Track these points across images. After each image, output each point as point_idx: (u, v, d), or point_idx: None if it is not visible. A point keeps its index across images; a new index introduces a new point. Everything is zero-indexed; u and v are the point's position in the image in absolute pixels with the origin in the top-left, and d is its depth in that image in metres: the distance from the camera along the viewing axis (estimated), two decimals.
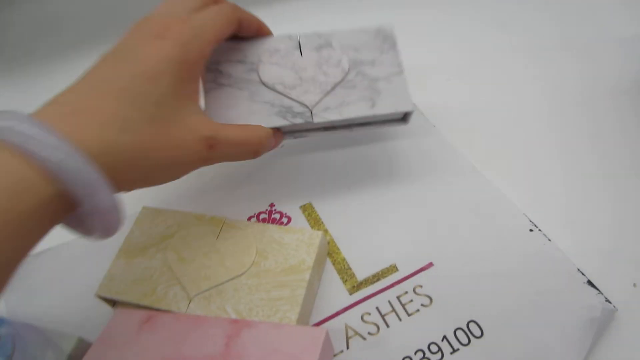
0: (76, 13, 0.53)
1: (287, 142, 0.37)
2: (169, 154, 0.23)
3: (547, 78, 0.42)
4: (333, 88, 0.30)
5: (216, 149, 0.25)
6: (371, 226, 0.34)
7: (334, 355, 0.28)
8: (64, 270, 0.33)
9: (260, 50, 0.30)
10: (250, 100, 0.29)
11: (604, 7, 0.47)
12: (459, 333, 0.28)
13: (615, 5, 0.47)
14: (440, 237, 0.33)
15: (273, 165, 0.38)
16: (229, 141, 0.26)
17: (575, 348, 0.27)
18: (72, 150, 0.19)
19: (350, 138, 0.39)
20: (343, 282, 0.31)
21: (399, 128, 0.38)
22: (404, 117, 0.31)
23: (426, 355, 0.28)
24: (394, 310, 0.30)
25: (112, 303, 0.31)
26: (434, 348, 0.28)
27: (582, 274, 0.29)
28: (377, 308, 0.30)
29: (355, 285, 0.31)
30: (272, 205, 0.35)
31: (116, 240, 0.27)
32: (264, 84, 0.30)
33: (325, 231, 0.34)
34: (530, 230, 0.32)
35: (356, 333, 0.29)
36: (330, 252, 0.33)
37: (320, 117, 0.29)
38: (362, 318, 0.30)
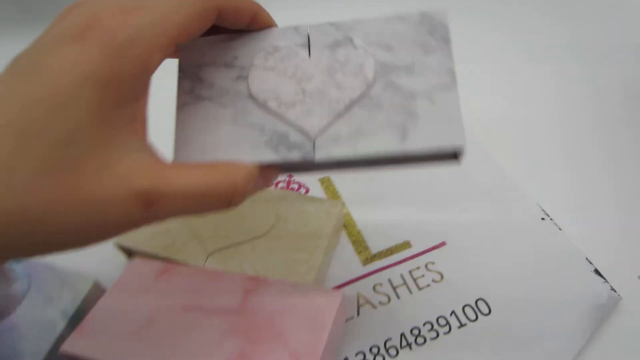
0: None
1: None
2: (77, 217, 0.16)
3: (562, 78, 0.43)
4: (348, 108, 0.20)
5: (157, 207, 0.17)
6: (387, 204, 0.35)
7: (345, 321, 0.29)
8: None
9: (255, 49, 0.22)
10: (234, 122, 0.21)
11: (621, 13, 0.48)
12: (467, 309, 0.29)
13: (633, 11, 0.48)
14: (453, 219, 0.33)
15: None
16: (179, 194, 0.18)
17: (579, 332, 0.28)
18: None
19: None
20: (357, 253, 0.32)
21: None
22: (454, 155, 0.21)
23: (434, 328, 0.28)
24: (405, 283, 0.30)
25: (129, 253, 0.31)
26: (442, 322, 0.29)
27: (590, 262, 0.30)
28: (389, 280, 0.31)
29: (369, 257, 0.32)
30: (290, 175, 0.36)
31: None
32: (253, 98, 0.21)
33: (342, 204, 0.34)
34: (542, 219, 0.33)
35: (367, 302, 0.30)
36: (346, 224, 0.33)
37: (325, 152, 0.20)
38: (374, 288, 0.30)
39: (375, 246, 0.32)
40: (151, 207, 0.17)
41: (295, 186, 0.35)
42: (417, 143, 0.20)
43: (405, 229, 0.33)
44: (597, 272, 0.30)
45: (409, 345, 0.28)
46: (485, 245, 0.32)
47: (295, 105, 0.21)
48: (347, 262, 0.31)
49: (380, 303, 0.30)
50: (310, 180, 0.36)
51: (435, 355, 0.28)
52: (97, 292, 0.29)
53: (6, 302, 0.26)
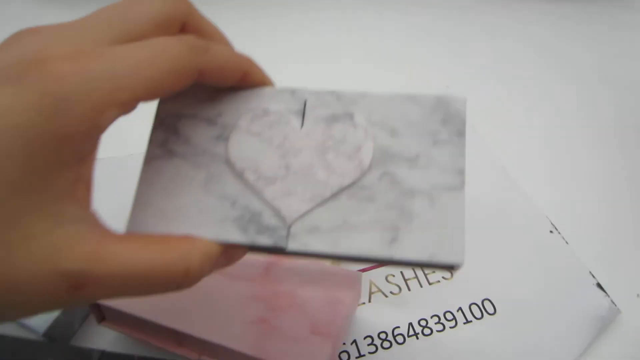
0: None
1: None
2: None
3: (581, 96, 0.45)
4: (335, 195, 0.18)
5: (87, 291, 0.15)
6: None
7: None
8: (125, 179, 0.35)
9: (243, 108, 0.20)
10: (204, 188, 0.19)
11: None
12: (474, 308, 0.30)
13: None
14: (467, 225, 0.35)
15: None
16: (117, 276, 0.15)
17: (579, 339, 0.29)
18: None
19: None
20: None
21: None
22: (448, 267, 0.18)
23: (441, 321, 0.30)
24: (416, 277, 0.32)
25: None
26: (449, 316, 0.30)
27: (593, 276, 0.32)
28: (401, 272, 0.32)
29: None
30: None
31: None
32: (230, 164, 0.19)
33: None
34: (551, 231, 0.34)
35: (379, 290, 0.31)
36: None
37: (300, 244, 0.18)
38: (386, 278, 0.32)
39: None
40: (80, 292, 0.14)
41: None
42: (407, 251, 0.17)
43: None
44: (599, 285, 0.31)
45: (415, 334, 0.29)
46: (495, 251, 0.33)
47: (275, 182, 0.18)
48: None
49: (392, 293, 0.31)
50: None
51: (440, 346, 0.29)
52: None
53: None
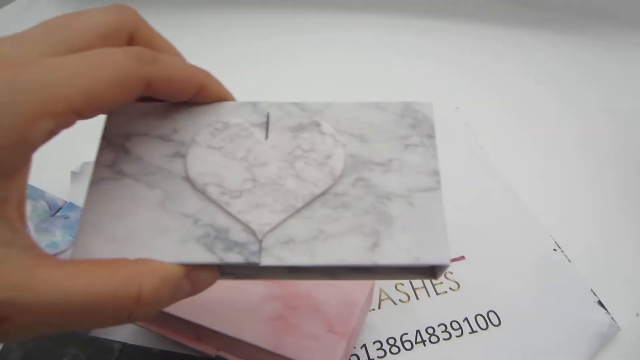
0: None
1: None
2: None
3: (582, 120, 0.47)
4: (308, 203, 0.17)
5: (14, 324, 0.13)
6: None
7: None
8: None
9: (201, 123, 0.18)
10: (160, 208, 0.17)
11: None
12: (479, 318, 0.32)
13: None
14: (474, 239, 0.36)
15: None
16: (50, 306, 0.13)
17: (579, 354, 0.30)
18: None
19: None
20: None
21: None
22: (432, 270, 0.18)
23: (447, 330, 0.31)
24: (424, 287, 0.33)
25: None
26: (455, 325, 0.31)
27: (595, 294, 0.33)
28: (410, 282, 0.33)
29: None
30: None
31: None
32: (190, 181, 0.18)
33: None
34: (554, 249, 0.36)
35: (388, 297, 0.32)
36: None
37: (274, 257, 0.16)
38: (395, 287, 0.33)
39: None
40: (4, 325, 0.13)
41: None
42: (390, 255, 0.16)
43: None
44: (600, 303, 0.33)
45: (423, 342, 0.30)
46: (501, 266, 0.35)
47: (241, 196, 0.17)
48: None
49: (400, 301, 0.32)
50: None
51: (446, 354, 0.30)
52: None
53: None
